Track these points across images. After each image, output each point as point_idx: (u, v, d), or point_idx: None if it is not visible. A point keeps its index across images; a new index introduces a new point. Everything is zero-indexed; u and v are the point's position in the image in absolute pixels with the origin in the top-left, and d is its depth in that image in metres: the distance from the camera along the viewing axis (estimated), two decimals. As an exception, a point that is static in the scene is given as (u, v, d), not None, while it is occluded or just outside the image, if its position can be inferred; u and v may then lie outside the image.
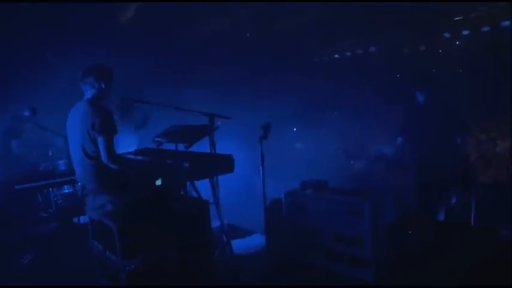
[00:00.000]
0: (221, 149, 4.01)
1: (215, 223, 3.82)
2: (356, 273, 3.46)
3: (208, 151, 3.94)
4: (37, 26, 5.64)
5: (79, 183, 3.29)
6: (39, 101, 5.65)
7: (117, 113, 5.51)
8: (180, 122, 4.44)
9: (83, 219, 4.80)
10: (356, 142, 6.61)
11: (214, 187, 3.98)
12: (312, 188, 3.94)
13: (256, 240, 4.49)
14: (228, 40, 7.32)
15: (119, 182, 3.10)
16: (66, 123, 3.24)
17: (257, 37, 7.49)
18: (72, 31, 5.85)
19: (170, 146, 4.28)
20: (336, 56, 7.99)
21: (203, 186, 4.06)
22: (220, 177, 4.00)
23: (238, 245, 4.31)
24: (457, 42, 6.40)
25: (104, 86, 3.12)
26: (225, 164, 3.66)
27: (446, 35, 6.40)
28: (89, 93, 3.13)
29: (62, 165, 5.09)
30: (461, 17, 6.19)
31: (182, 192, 3.98)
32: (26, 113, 5.49)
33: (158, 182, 3.39)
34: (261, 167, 3.78)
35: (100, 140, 2.96)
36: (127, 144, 5.52)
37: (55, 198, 5.01)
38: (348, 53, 7.74)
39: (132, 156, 4.04)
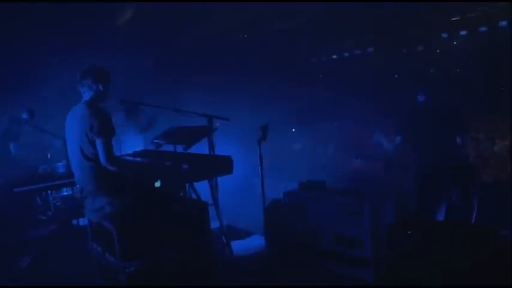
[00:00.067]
0: (220, 150, 4.01)
1: (214, 224, 3.81)
2: (356, 273, 3.46)
3: (207, 152, 3.94)
4: (37, 26, 5.63)
5: (78, 186, 3.28)
6: (37, 103, 5.63)
7: (122, 114, 5.53)
8: (179, 123, 4.44)
9: (82, 221, 4.79)
10: (356, 142, 6.60)
11: (213, 188, 3.98)
12: (311, 189, 3.94)
13: (256, 241, 4.48)
14: (227, 41, 7.32)
15: (118, 183, 3.09)
16: (65, 126, 3.24)
17: (257, 38, 7.49)
18: (72, 32, 5.84)
19: (169, 148, 4.29)
20: (334, 56, 7.99)
21: (202, 188, 4.06)
22: (219, 179, 4.00)
23: (237, 246, 4.30)
24: (455, 43, 6.42)
25: (101, 88, 3.11)
26: (224, 165, 3.66)
27: (444, 35, 6.41)
28: (86, 95, 3.12)
29: (60, 167, 5.08)
30: (458, 17, 6.20)
31: (181, 194, 3.98)
32: (24, 116, 5.46)
33: (157, 184, 3.39)
34: (259, 168, 3.78)
35: (98, 142, 2.95)
36: (133, 145, 5.53)
37: (54, 201, 5.00)
38: (346, 54, 7.76)
39: (131, 158, 4.04)
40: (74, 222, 4.98)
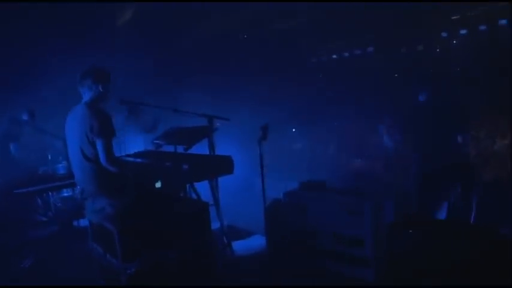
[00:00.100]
0: (220, 150, 4.01)
1: (215, 225, 3.81)
2: (356, 273, 3.45)
3: (208, 153, 3.94)
4: (37, 26, 5.62)
5: (78, 186, 3.29)
6: (37, 103, 5.63)
7: (122, 115, 5.52)
8: (179, 123, 4.44)
9: (83, 222, 4.79)
10: (356, 141, 6.60)
11: (214, 189, 3.98)
12: (311, 188, 3.94)
13: (257, 241, 4.48)
14: (227, 41, 7.32)
15: (118, 184, 3.09)
16: (65, 126, 3.24)
17: (257, 38, 7.48)
18: (72, 32, 5.84)
19: (169, 148, 4.29)
20: (334, 56, 7.99)
21: (203, 188, 4.06)
22: (219, 179, 4.00)
23: (238, 246, 4.30)
24: (455, 42, 6.41)
25: (101, 89, 3.11)
26: (225, 165, 3.66)
27: (444, 34, 6.41)
28: (86, 95, 3.12)
29: (61, 168, 5.09)
30: (458, 16, 6.20)
31: (182, 194, 3.98)
32: (24, 117, 5.47)
33: (158, 184, 3.39)
34: (260, 168, 3.78)
35: (99, 143, 2.95)
36: (133, 145, 5.53)
37: (54, 202, 5.01)
38: (346, 54, 7.76)
39: (131, 159, 4.04)
40: (75, 223, 4.98)
